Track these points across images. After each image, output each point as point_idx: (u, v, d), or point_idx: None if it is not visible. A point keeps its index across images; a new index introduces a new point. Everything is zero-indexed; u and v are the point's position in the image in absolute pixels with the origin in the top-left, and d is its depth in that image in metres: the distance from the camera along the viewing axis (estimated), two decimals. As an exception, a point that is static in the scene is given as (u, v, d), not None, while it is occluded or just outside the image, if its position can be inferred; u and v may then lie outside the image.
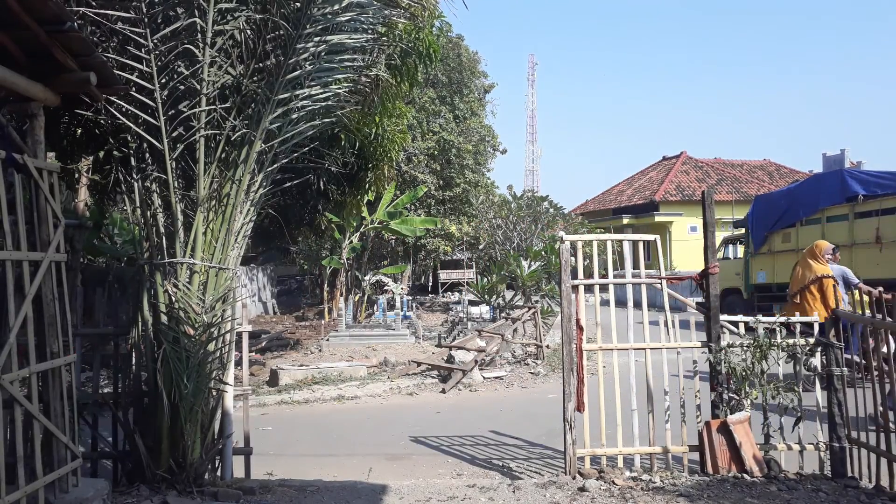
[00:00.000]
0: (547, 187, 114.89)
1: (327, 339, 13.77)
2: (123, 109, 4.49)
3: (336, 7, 4.65)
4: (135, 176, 4.67)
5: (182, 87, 4.52)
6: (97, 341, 4.93)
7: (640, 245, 5.67)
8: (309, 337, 15.54)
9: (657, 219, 29.81)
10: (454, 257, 27.21)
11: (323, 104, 4.93)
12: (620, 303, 6.14)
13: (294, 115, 4.76)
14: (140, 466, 4.45)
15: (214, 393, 4.65)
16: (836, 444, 5.04)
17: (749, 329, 5.41)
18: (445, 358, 10.66)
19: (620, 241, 5.88)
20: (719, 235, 18.06)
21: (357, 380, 9.70)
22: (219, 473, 4.79)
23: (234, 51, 4.65)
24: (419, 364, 10.56)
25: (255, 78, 4.65)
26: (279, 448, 6.33)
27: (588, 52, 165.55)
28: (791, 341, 5.29)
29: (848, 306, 6.22)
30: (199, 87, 4.49)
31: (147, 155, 4.63)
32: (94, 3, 4.37)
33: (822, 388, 5.20)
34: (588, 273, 6.13)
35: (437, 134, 23.33)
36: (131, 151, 4.69)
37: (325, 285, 19.65)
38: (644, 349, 5.38)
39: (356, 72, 5.55)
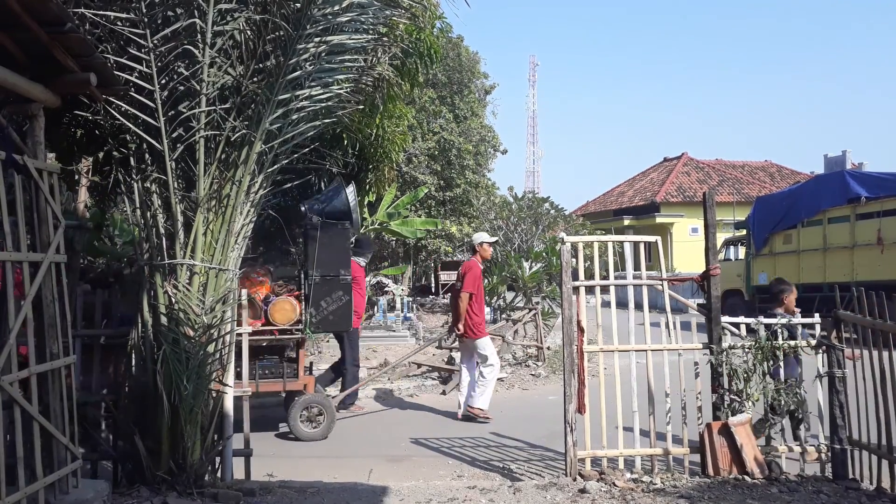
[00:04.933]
0: (548, 188, 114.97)
1: (327, 341, 13.74)
2: (123, 110, 4.49)
3: (336, 7, 4.64)
4: (135, 177, 4.67)
5: (182, 88, 4.51)
6: (97, 343, 4.93)
7: (641, 246, 5.66)
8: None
9: (658, 220, 29.80)
10: (455, 258, 27.19)
11: (324, 105, 4.92)
12: (621, 304, 6.12)
13: (294, 116, 4.75)
14: (140, 468, 4.44)
15: (214, 394, 4.65)
16: (838, 446, 5.02)
17: (750, 331, 5.40)
18: (446, 360, 10.64)
19: (621, 242, 5.88)
20: (720, 237, 18.05)
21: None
22: (219, 475, 4.78)
23: (233, 51, 4.64)
24: (419, 366, 10.54)
25: (255, 78, 4.64)
26: (279, 449, 6.32)
27: (589, 53, 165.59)
28: (793, 343, 5.29)
29: None
30: (198, 87, 4.48)
31: (147, 156, 4.62)
32: (93, 4, 4.36)
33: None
34: (589, 274, 6.11)
35: (437, 134, 23.32)
36: (131, 152, 4.68)
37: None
38: (645, 351, 5.38)
39: (357, 72, 5.54)
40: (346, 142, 7.95)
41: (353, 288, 7.05)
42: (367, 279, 20.11)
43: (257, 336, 6.21)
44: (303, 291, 6.58)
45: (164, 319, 4.44)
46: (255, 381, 6.18)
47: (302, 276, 6.68)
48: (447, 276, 27.71)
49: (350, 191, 7.14)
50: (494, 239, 7.92)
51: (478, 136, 25.07)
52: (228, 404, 4.84)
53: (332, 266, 6.57)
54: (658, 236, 5.75)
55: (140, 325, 4.59)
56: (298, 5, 4.56)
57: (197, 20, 4.39)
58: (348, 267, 6.77)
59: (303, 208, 7.00)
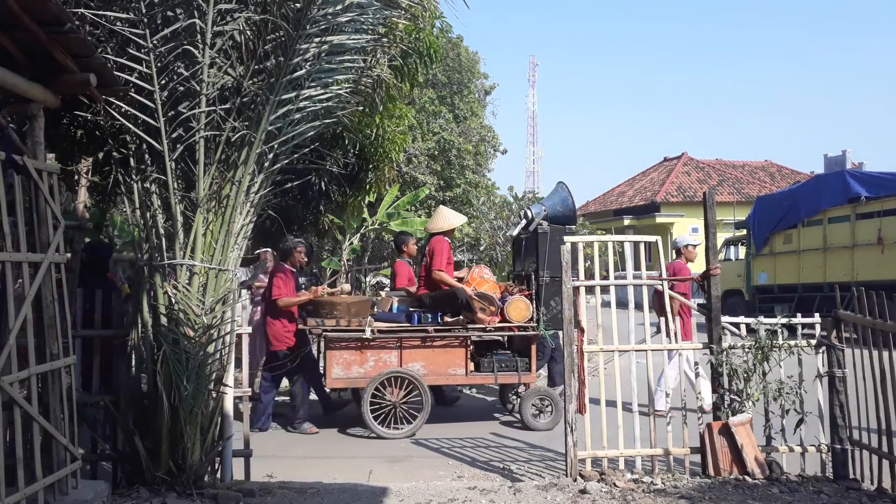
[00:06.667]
0: (548, 188, 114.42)
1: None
2: (123, 110, 4.49)
3: (336, 7, 4.64)
4: (134, 177, 4.66)
5: (182, 89, 4.51)
6: (97, 343, 4.93)
7: (642, 246, 5.65)
8: (309, 338, 15.48)
9: (658, 220, 29.77)
10: (455, 258, 27.13)
11: (324, 105, 4.92)
12: (621, 304, 6.13)
13: (294, 116, 4.74)
14: (140, 468, 4.44)
15: (214, 395, 4.64)
16: (838, 446, 5.02)
17: (750, 330, 5.40)
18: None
19: (621, 242, 5.87)
20: (721, 237, 18.03)
21: (358, 381, 9.66)
22: (219, 475, 4.77)
23: (233, 52, 4.64)
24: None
25: (254, 79, 4.64)
26: (279, 450, 6.32)
27: (589, 53, 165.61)
28: (793, 342, 5.28)
29: None
30: (198, 88, 4.48)
31: (147, 156, 4.62)
32: (92, 4, 4.36)
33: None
34: (589, 274, 6.12)
35: (437, 134, 23.31)
36: (131, 153, 4.68)
37: (325, 287, 19.55)
38: (645, 350, 5.38)
39: (357, 72, 5.54)
40: (346, 142, 7.95)
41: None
42: (367, 279, 20.13)
43: (497, 332, 7.09)
44: (533, 291, 7.07)
45: (163, 320, 4.44)
46: (493, 373, 7.01)
47: (532, 276, 7.15)
48: (447, 277, 27.68)
49: (571, 194, 7.68)
50: (698, 242, 7.99)
51: (478, 136, 25.05)
52: (228, 405, 4.84)
53: (559, 267, 7.08)
54: (658, 236, 5.75)
55: (140, 325, 4.59)
56: (298, 5, 4.55)
57: (197, 20, 4.38)
58: None
59: (529, 214, 7.50)
